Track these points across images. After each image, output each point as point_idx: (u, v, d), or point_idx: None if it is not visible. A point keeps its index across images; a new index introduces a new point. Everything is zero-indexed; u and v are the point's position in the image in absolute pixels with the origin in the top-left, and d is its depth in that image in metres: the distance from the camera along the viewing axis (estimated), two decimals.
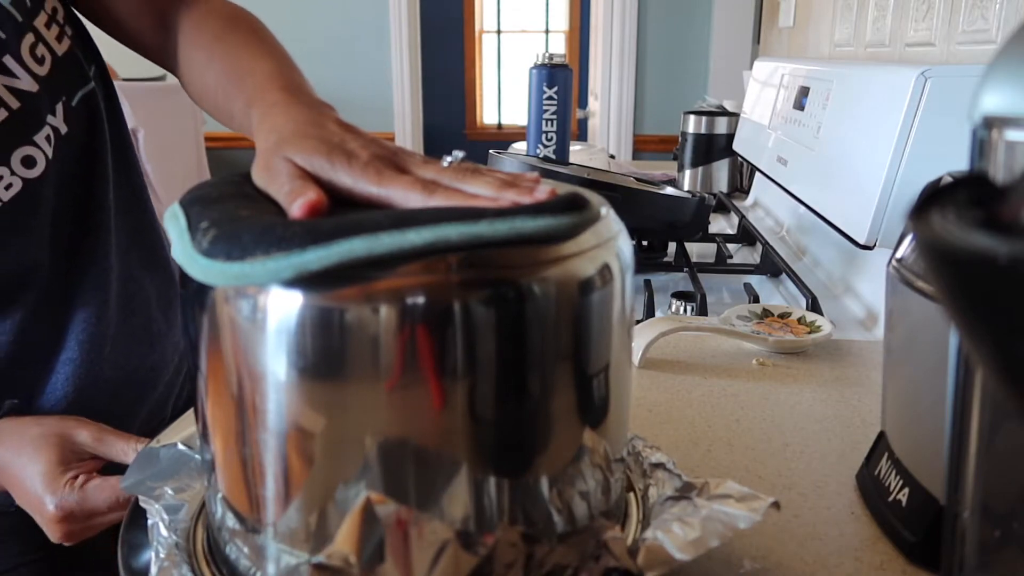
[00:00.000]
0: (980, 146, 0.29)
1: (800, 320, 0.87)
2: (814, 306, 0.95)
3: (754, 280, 1.13)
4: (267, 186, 0.41)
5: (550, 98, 1.48)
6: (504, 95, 5.24)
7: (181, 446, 0.51)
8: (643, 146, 2.90)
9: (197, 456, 0.50)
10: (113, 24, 0.68)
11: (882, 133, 0.87)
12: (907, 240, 0.51)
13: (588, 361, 0.39)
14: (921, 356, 0.51)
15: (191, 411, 0.51)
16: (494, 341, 0.35)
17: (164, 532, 0.45)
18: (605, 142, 2.91)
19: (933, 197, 0.20)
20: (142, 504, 0.48)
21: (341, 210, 0.39)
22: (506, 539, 0.38)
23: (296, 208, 0.38)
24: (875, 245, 0.87)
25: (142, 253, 0.73)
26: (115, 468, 0.55)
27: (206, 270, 0.36)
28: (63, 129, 0.61)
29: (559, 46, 5.05)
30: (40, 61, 0.59)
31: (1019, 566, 0.34)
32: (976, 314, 0.18)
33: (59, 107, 0.61)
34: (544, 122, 1.50)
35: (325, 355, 0.35)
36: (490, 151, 1.21)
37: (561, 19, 5.06)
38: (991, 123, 0.28)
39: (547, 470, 0.39)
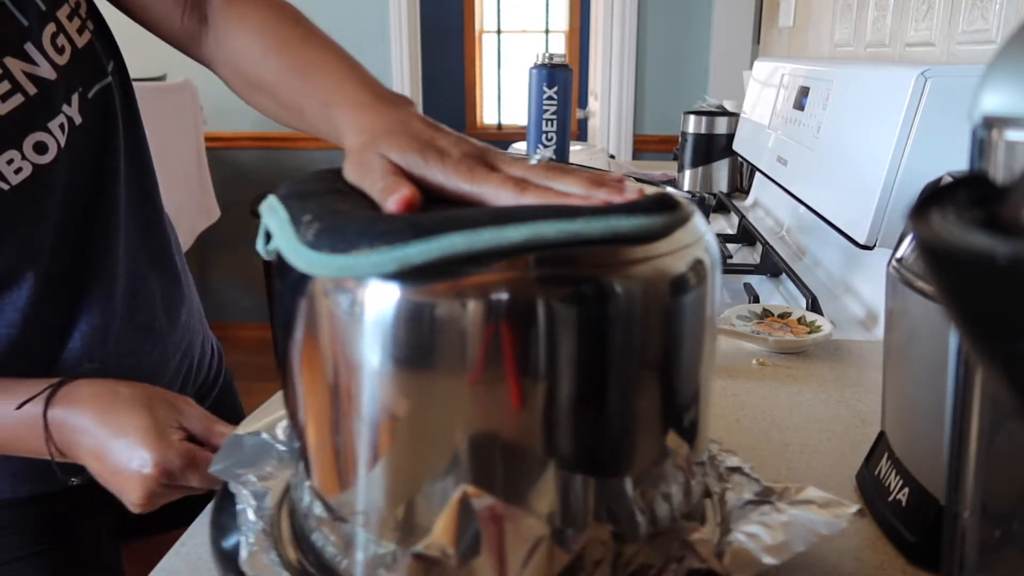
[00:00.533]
0: (980, 146, 0.29)
1: (800, 320, 0.87)
2: (814, 306, 0.95)
3: (754, 280, 1.13)
4: (361, 182, 0.42)
5: (550, 98, 1.48)
6: (504, 95, 5.24)
7: (264, 435, 0.52)
8: (643, 146, 2.90)
9: (278, 445, 0.52)
10: (140, 8, 0.68)
11: (882, 133, 0.87)
12: (907, 240, 0.51)
13: (677, 361, 0.40)
14: (921, 356, 0.51)
15: (270, 400, 0.55)
16: (583, 339, 0.36)
17: (252, 517, 0.47)
18: (605, 142, 2.91)
19: (933, 197, 0.20)
20: (232, 489, 0.49)
21: (435, 206, 0.40)
22: (597, 537, 0.39)
23: (391, 203, 0.38)
24: (875, 245, 0.87)
25: (149, 252, 0.73)
26: None
27: (311, 262, 0.36)
28: (77, 119, 0.62)
29: (559, 46, 5.05)
30: (60, 51, 0.60)
31: (1019, 566, 0.34)
32: (976, 314, 0.18)
33: (75, 97, 0.62)
34: (544, 122, 1.50)
35: (417, 347, 0.36)
36: None
37: (561, 19, 5.06)
38: (991, 123, 0.28)
39: (633, 470, 0.40)
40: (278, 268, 0.41)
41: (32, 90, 0.58)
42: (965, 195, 0.20)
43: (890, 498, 0.53)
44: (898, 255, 0.51)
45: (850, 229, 0.92)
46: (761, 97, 1.52)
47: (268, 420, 0.54)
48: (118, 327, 0.69)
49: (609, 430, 0.38)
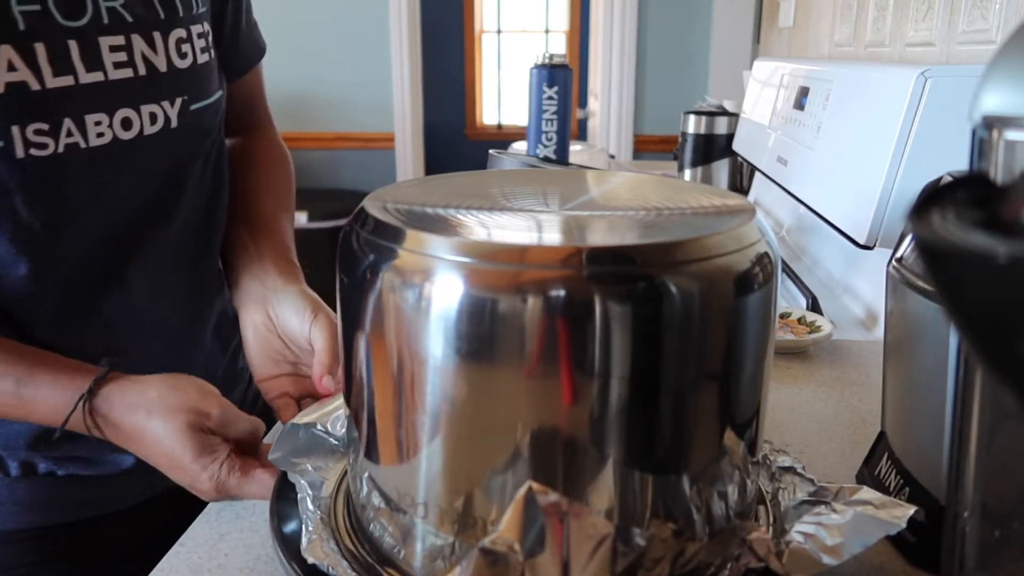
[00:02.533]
0: (980, 146, 0.29)
1: (800, 320, 0.87)
2: (814, 306, 0.95)
3: None
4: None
5: (550, 98, 1.48)
6: (504, 95, 5.24)
7: (318, 427, 0.54)
8: (643, 146, 2.90)
9: (330, 439, 0.54)
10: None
11: (882, 133, 0.87)
12: (907, 240, 0.51)
13: (741, 360, 0.40)
14: (921, 356, 0.51)
15: (321, 402, 0.57)
16: (643, 337, 0.37)
17: (311, 506, 0.48)
18: (605, 142, 2.91)
19: (933, 197, 0.20)
20: (290, 478, 0.51)
21: None
22: (659, 536, 0.39)
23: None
24: (875, 245, 0.87)
25: (199, 280, 0.74)
26: None
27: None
28: (174, 122, 0.65)
29: (559, 46, 5.05)
30: (182, 56, 0.65)
31: (1019, 566, 0.34)
32: (976, 314, 0.18)
33: (178, 101, 0.65)
34: (544, 122, 1.50)
35: (478, 341, 0.37)
36: (490, 151, 1.22)
37: (561, 19, 5.06)
38: (991, 123, 0.28)
39: (692, 468, 0.40)
40: (344, 265, 0.42)
41: (142, 71, 0.61)
42: (965, 195, 0.20)
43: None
44: (898, 255, 0.51)
45: (850, 229, 0.92)
46: (761, 97, 1.52)
47: (321, 412, 0.55)
48: (150, 319, 0.69)
49: (670, 428, 0.39)
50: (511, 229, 0.41)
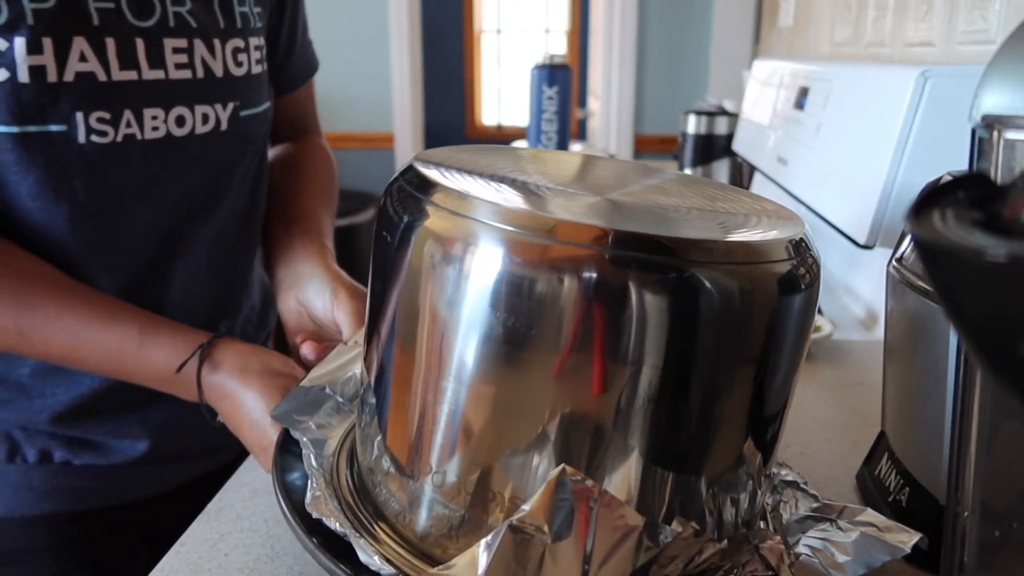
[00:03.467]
0: (980, 146, 0.29)
1: None
2: None
3: None
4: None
5: (550, 98, 1.48)
6: (504, 95, 5.24)
7: (327, 389, 0.55)
8: (643, 146, 2.90)
9: (337, 397, 0.55)
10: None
11: (882, 133, 0.87)
12: (907, 240, 0.51)
13: (770, 373, 0.40)
14: (921, 356, 0.51)
15: (335, 351, 0.58)
16: (679, 330, 0.36)
17: (314, 463, 0.48)
18: (605, 142, 2.91)
19: (933, 197, 0.20)
20: (293, 435, 0.51)
21: None
22: (683, 534, 0.39)
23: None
24: (875, 245, 0.87)
25: (232, 276, 0.77)
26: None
27: None
28: (224, 125, 0.68)
29: (559, 46, 5.05)
30: (238, 64, 0.68)
31: (1019, 566, 0.34)
32: (975, 314, 0.18)
33: (231, 106, 0.68)
34: (544, 122, 1.50)
35: (516, 313, 0.36)
36: None
37: (561, 19, 5.06)
38: (991, 123, 0.28)
39: (711, 470, 0.40)
40: (382, 220, 0.42)
41: (200, 73, 0.65)
42: (965, 195, 0.20)
43: (890, 498, 0.53)
44: (898, 255, 0.51)
45: (850, 229, 0.92)
46: (761, 97, 1.52)
47: (332, 371, 0.56)
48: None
49: (696, 425, 0.39)
50: (558, 205, 0.40)
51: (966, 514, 0.36)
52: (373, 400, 0.45)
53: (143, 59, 0.61)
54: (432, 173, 0.41)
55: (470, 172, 0.42)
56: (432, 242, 0.38)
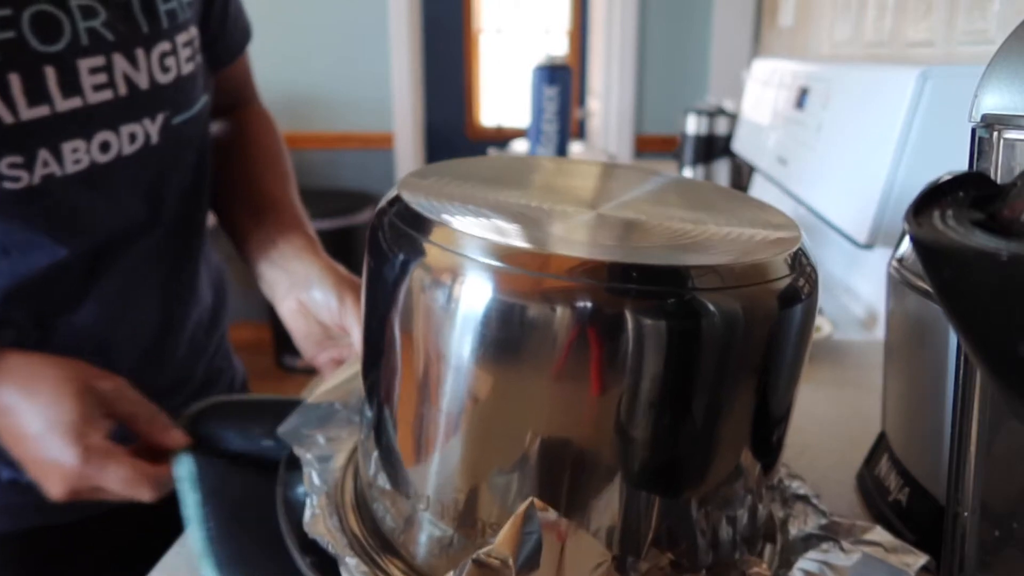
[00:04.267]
0: (980, 146, 0.29)
1: None
2: None
3: None
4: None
5: (550, 98, 1.48)
6: (504, 95, 5.24)
7: (337, 404, 0.54)
8: (644, 146, 2.90)
9: (348, 412, 0.54)
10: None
11: (882, 133, 0.87)
12: (907, 240, 0.51)
13: (775, 382, 0.40)
14: (921, 356, 0.51)
15: (347, 363, 0.58)
16: (671, 355, 0.36)
17: (317, 481, 0.48)
18: (605, 142, 2.91)
19: (933, 197, 0.20)
20: (296, 452, 0.51)
21: None
22: (657, 565, 0.38)
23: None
24: (875, 245, 0.87)
25: (179, 284, 0.72)
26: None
27: None
28: (155, 139, 0.62)
29: (559, 46, 5.05)
30: (165, 71, 0.61)
31: (1019, 566, 0.34)
32: (975, 313, 0.18)
33: (160, 117, 0.62)
34: (544, 122, 1.50)
35: (503, 345, 0.37)
36: (489, 150, 1.22)
37: (561, 19, 5.06)
38: (991, 123, 0.28)
39: (705, 491, 0.39)
40: (372, 249, 0.41)
41: (123, 91, 0.58)
42: (965, 195, 0.20)
43: (890, 498, 0.53)
44: (898, 255, 0.51)
45: (850, 229, 0.92)
46: (761, 97, 1.52)
47: (340, 386, 0.55)
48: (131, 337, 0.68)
49: (690, 448, 0.38)
50: (547, 232, 0.40)
51: (966, 514, 0.36)
52: (369, 414, 0.45)
53: (55, 90, 0.54)
54: (423, 206, 0.40)
55: (460, 199, 0.42)
56: (422, 277, 0.38)
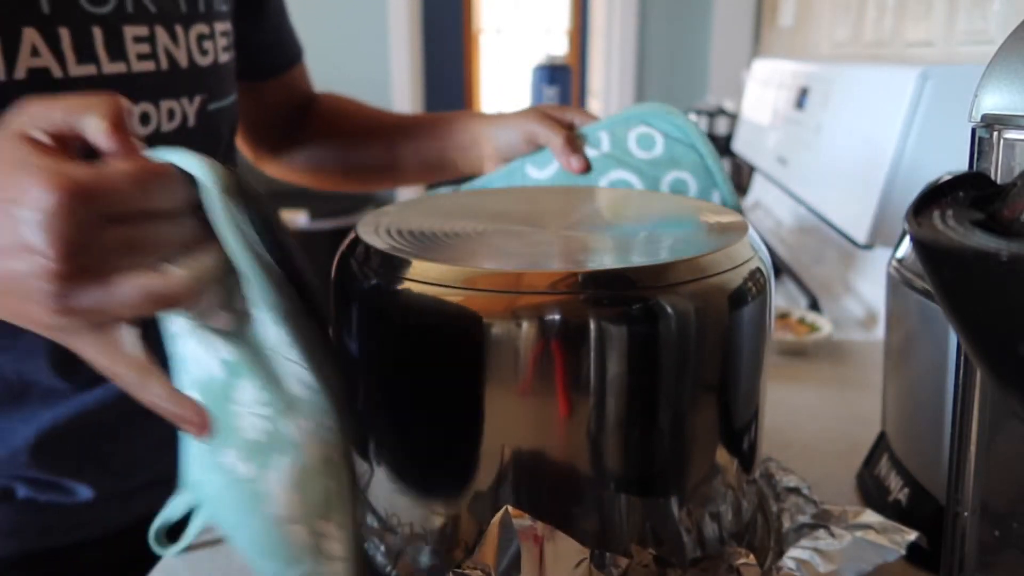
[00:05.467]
0: (980, 146, 0.29)
1: (800, 320, 0.87)
2: (814, 306, 0.95)
3: None
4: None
5: (550, 98, 1.48)
6: (504, 95, 5.24)
7: None
8: None
9: None
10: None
11: (882, 133, 0.87)
12: (907, 240, 0.51)
13: (735, 378, 0.40)
14: (921, 356, 0.51)
15: None
16: (635, 359, 0.36)
17: None
18: None
19: (933, 197, 0.20)
20: None
21: None
22: (639, 561, 0.39)
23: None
24: (875, 245, 0.87)
25: None
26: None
27: None
28: (192, 121, 0.63)
29: (559, 46, 5.05)
30: (203, 53, 0.63)
31: (1019, 566, 0.34)
32: (975, 313, 0.18)
33: (197, 99, 0.63)
34: None
35: (471, 362, 0.37)
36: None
37: (561, 19, 5.06)
38: (991, 123, 0.28)
39: (683, 490, 0.40)
40: (338, 292, 0.42)
41: (164, 65, 0.60)
42: (965, 195, 0.20)
43: (890, 498, 0.53)
44: (898, 255, 0.51)
45: (850, 229, 0.92)
46: (761, 97, 1.52)
47: None
48: None
49: (663, 449, 0.39)
50: (506, 254, 0.41)
51: (966, 514, 0.36)
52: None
53: (102, 51, 0.55)
54: (378, 242, 0.41)
55: (416, 233, 0.43)
56: (381, 302, 0.39)
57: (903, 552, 0.41)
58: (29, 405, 0.61)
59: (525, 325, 0.35)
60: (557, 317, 0.35)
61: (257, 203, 0.36)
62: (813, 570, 0.41)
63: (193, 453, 0.43)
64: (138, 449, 0.65)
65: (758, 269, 0.40)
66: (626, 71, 2.82)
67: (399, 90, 3.00)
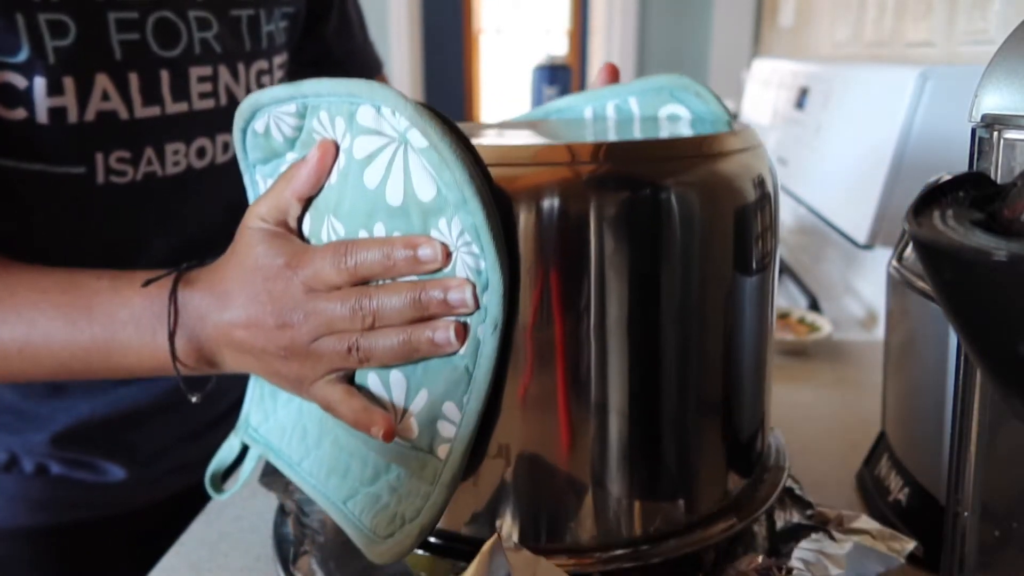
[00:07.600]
0: (980, 146, 0.29)
1: (800, 320, 0.87)
2: (814, 306, 0.95)
3: None
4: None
5: (550, 98, 1.48)
6: (504, 95, 5.23)
7: None
8: None
9: None
10: None
11: (882, 133, 0.87)
12: (907, 240, 0.51)
13: (743, 264, 0.41)
14: (921, 356, 0.51)
15: None
16: (650, 235, 0.38)
17: (303, 522, 0.49)
18: None
19: (933, 197, 0.20)
20: (279, 499, 0.51)
21: None
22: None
23: None
24: (875, 245, 0.87)
25: None
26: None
27: None
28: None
29: (559, 46, 5.05)
30: (261, 87, 0.64)
31: (1019, 566, 0.34)
32: (975, 313, 0.18)
33: None
34: None
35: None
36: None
37: (561, 19, 5.06)
38: (991, 123, 0.28)
39: (676, 408, 0.41)
40: None
41: (224, 102, 0.62)
42: (965, 195, 0.20)
43: (890, 498, 0.53)
44: (898, 255, 0.51)
45: (850, 229, 0.92)
46: (761, 97, 1.52)
47: None
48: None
49: (673, 348, 0.40)
50: (518, 138, 0.45)
51: (966, 514, 0.36)
52: None
53: (167, 92, 0.58)
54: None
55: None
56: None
57: (903, 561, 0.41)
58: (71, 396, 0.64)
59: (523, 204, 0.37)
60: (558, 200, 0.37)
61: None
62: (823, 572, 0.41)
63: (255, 397, 0.47)
64: (165, 439, 0.68)
65: (764, 167, 0.43)
66: (626, 71, 2.82)
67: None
